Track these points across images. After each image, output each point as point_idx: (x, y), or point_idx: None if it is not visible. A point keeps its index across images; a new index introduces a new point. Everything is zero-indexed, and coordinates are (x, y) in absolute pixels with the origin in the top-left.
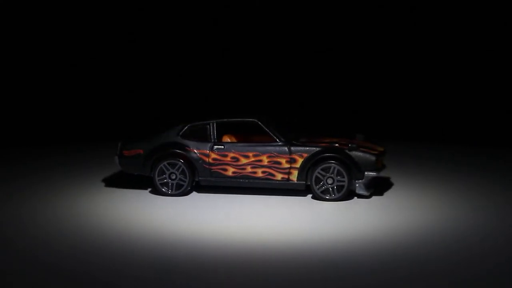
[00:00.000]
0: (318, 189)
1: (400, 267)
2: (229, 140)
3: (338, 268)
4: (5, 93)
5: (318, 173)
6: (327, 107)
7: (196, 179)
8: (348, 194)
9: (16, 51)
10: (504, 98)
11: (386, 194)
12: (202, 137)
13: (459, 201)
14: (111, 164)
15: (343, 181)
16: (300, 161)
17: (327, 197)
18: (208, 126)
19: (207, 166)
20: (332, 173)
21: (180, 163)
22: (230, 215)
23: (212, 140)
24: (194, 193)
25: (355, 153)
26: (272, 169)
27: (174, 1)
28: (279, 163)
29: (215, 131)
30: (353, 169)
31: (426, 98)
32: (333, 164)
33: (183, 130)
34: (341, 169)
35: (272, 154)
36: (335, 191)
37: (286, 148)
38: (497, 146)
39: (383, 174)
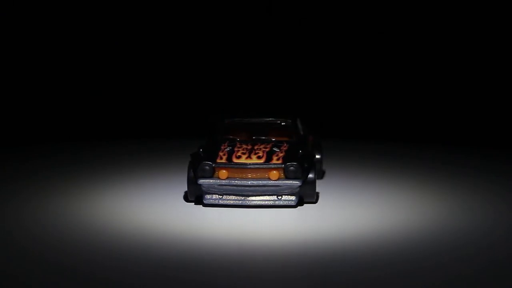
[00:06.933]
0: None
1: (395, 264)
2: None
3: (336, 264)
4: (5, 93)
5: None
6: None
7: None
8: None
9: (15, 51)
10: (498, 99)
11: (382, 193)
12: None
13: (456, 200)
14: (111, 163)
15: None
16: None
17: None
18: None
19: None
20: None
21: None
22: (222, 214)
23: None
24: None
25: (198, 157)
26: None
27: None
28: None
29: (223, 127)
30: (194, 174)
31: (421, 99)
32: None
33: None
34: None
35: None
36: None
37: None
38: (495, 147)
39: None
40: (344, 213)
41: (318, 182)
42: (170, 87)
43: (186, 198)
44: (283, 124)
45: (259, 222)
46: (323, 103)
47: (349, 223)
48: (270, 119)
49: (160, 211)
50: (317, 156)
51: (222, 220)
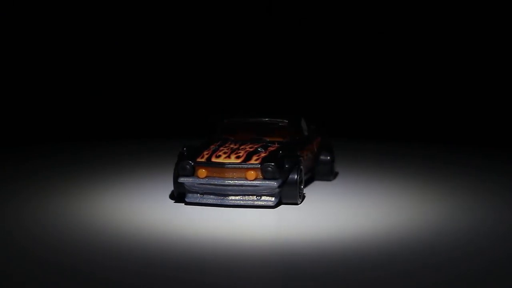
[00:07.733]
0: None
1: (395, 264)
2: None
3: (337, 265)
4: (5, 93)
5: None
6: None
7: None
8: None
9: (15, 51)
10: (500, 98)
11: (383, 193)
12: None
13: (456, 200)
14: (111, 163)
15: None
16: None
17: None
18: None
19: None
20: None
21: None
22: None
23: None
24: None
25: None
26: None
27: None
28: None
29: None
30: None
31: (422, 99)
32: None
33: None
34: None
35: None
36: None
37: None
38: (496, 147)
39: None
40: (345, 212)
41: (323, 183)
42: (170, 87)
43: (173, 196)
44: (281, 125)
45: (259, 222)
46: (323, 103)
47: (349, 223)
48: (269, 119)
49: (160, 211)
50: (327, 158)
51: (222, 220)
